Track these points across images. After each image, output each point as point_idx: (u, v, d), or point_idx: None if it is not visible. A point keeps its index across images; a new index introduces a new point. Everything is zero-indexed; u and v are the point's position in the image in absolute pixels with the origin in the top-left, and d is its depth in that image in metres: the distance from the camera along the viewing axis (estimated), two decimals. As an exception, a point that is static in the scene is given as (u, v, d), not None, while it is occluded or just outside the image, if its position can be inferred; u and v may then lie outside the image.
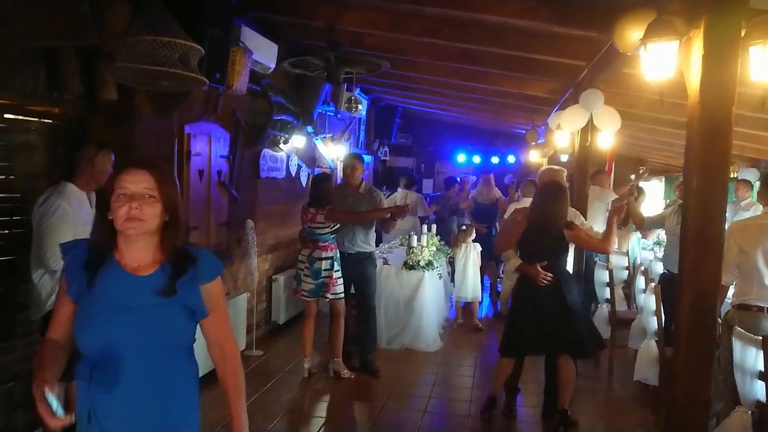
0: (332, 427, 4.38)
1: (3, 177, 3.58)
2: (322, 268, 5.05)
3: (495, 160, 12.84)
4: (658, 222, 5.70)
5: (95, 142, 3.65)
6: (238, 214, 5.68)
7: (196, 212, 4.95)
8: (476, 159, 13.01)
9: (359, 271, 5.33)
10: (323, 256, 5.05)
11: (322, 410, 4.66)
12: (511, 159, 12.65)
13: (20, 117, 3.70)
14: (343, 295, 5.15)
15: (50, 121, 3.91)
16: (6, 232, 3.66)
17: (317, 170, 7.64)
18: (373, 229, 5.48)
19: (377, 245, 6.28)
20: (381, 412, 4.62)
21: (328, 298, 5.09)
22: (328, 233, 5.05)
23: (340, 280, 5.11)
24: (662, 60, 2.97)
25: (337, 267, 5.09)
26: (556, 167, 4.91)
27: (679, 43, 2.92)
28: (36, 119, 3.82)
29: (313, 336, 5.27)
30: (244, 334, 5.68)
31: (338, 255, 5.13)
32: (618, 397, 5.17)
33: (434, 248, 6.85)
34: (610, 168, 8.09)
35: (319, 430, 4.30)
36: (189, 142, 4.77)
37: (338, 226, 5.11)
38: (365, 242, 5.36)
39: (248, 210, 5.97)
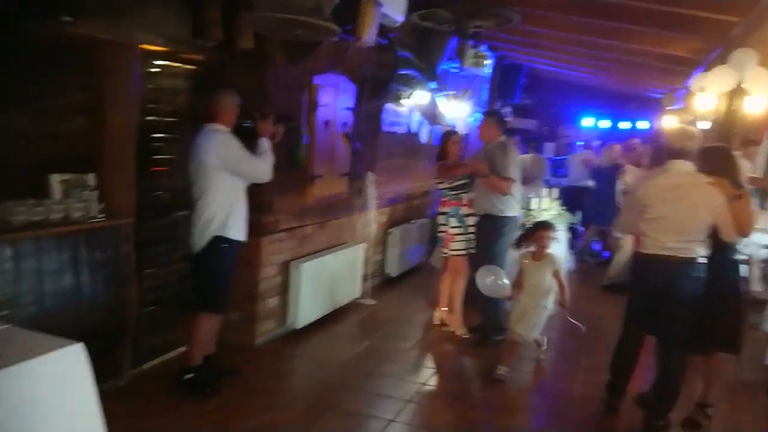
0: (441, 377, 4.47)
1: (153, 118, 3.88)
2: (439, 222, 5.21)
3: (625, 125, 12.13)
4: None
5: (231, 86, 3.86)
6: (359, 166, 5.81)
7: (321, 161, 5.12)
8: (604, 123, 12.37)
9: (478, 234, 5.09)
10: (441, 210, 5.21)
11: (431, 361, 4.75)
12: (642, 125, 11.90)
13: (169, 63, 3.98)
14: (462, 252, 5.12)
15: (193, 67, 4.17)
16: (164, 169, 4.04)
17: (438, 127, 7.60)
18: (504, 195, 4.90)
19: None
20: (493, 370, 4.63)
21: (445, 253, 5.22)
22: (445, 189, 5.15)
23: (461, 237, 5.09)
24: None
25: (456, 223, 5.09)
26: (690, 128, 4.04)
27: None
28: (181, 65, 4.09)
29: (446, 289, 5.33)
30: (360, 283, 5.87)
31: (460, 212, 5.09)
32: (746, 380, 4.84)
33: (555, 212, 6.66)
34: (761, 138, 7.20)
35: (428, 379, 4.40)
36: (317, 92, 4.91)
37: (458, 182, 5.09)
38: (490, 204, 4.93)
39: (369, 162, 6.08)
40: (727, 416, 4.10)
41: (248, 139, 3.73)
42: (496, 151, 4.93)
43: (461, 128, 7.94)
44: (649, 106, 10.77)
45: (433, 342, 5.10)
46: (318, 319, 5.14)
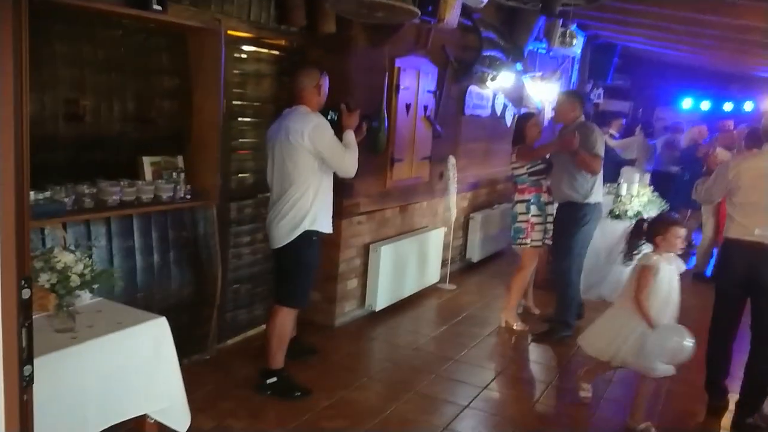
0: (520, 364, 4.40)
1: (238, 102, 4.00)
2: (517, 212, 4.90)
3: (728, 107, 11.34)
4: None
5: (316, 65, 3.71)
6: (440, 149, 5.75)
7: (401, 145, 5.11)
8: (704, 105, 11.62)
9: (558, 224, 4.85)
10: (518, 199, 4.91)
11: (510, 348, 4.67)
12: (748, 106, 11.09)
13: (254, 48, 4.08)
14: (539, 243, 4.88)
15: (277, 52, 4.26)
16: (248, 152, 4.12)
17: (523, 110, 7.40)
18: (594, 175, 4.60)
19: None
20: (573, 359, 4.51)
21: (525, 244, 4.89)
22: (523, 174, 4.86)
23: (540, 227, 4.85)
24: None
25: (537, 212, 4.83)
26: None
27: None
28: (266, 50, 4.19)
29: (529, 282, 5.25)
30: (439, 268, 5.85)
31: (541, 199, 4.83)
32: None
33: (646, 198, 6.35)
34: None
35: (507, 365, 4.33)
36: (398, 75, 4.89)
37: (537, 167, 4.82)
38: (570, 188, 4.65)
39: (451, 146, 6.02)
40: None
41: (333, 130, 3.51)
42: (578, 131, 4.54)
43: (549, 111, 7.70)
44: (756, 86, 10.01)
45: (512, 330, 4.99)
46: (396, 302, 5.17)
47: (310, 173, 3.37)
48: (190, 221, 3.66)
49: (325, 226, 3.54)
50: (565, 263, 4.77)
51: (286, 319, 3.57)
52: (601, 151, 4.58)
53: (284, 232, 3.41)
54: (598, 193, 4.74)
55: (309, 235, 3.43)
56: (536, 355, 4.62)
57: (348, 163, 3.48)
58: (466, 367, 4.24)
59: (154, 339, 2.38)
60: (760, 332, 3.47)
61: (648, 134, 9.04)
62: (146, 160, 3.45)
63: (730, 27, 6.32)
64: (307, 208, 3.38)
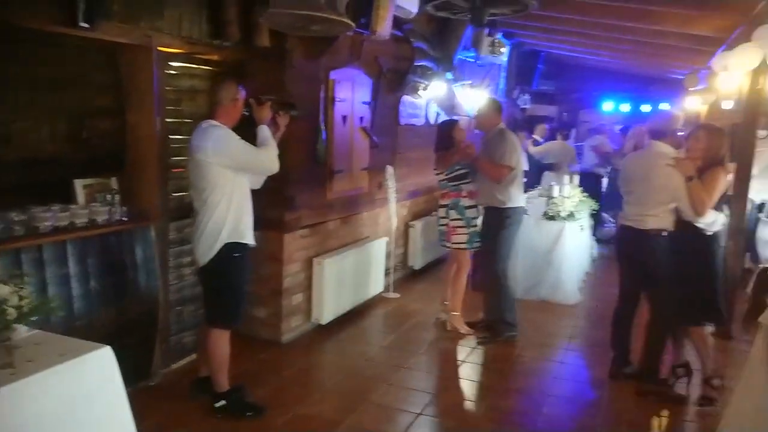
0: (470, 367, 4.45)
1: (175, 120, 3.90)
2: (440, 215, 5.11)
3: (646, 108, 11.92)
4: None
5: (234, 78, 3.52)
6: (378, 160, 5.79)
7: (340, 156, 5.11)
8: (624, 107, 12.18)
9: (484, 227, 4.97)
10: (441, 203, 5.11)
11: (459, 352, 4.73)
12: (664, 107, 11.69)
13: (188, 64, 3.99)
14: (464, 246, 5.00)
15: (211, 67, 4.19)
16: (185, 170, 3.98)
17: (456, 117, 7.54)
18: (498, 183, 4.74)
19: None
20: (517, 359, 4.61)
21: (447, 246, 5.11)
22: (444, 180, 5.03)
23: (464, 230, 4.96)
24: None
25: (456, 216, 4.97)
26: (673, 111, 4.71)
27: None
28: (200, 66, 4.11)
29: (448, 283, 5.28)
30: (383, 277, 5.87)
31: (460, 203, 4.95)
32: None
33: (577, 199, 6.59)
34: None
35: (457, 369, 4.39)
36: (334, 87, 4.90)
37: (456, 172, 4.96)
38: (491, 193, 4.80)
39: (388, 156, 6.07)
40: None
41: (250, 129, 3.41)
42: (493, 139, 4.81)
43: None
44: (672, 88, 10.57)
45: (458, 335, 5.06)
46: (343, 314, 5.15)
47: (222, 186, 3.24)
48: (128, 244, 3.53)
49: (248, 237, 3.40)
50: (497, 265, 4.89)
51: (219, 340, 3.41)
52: (510, 161, 4.70)
53: (205, 247, 3.29)
54: (519, 198, 4.90)
55: (231, 249, 3.31)
56: (483, 357, 4.70)
57: (265, 161, 3.37)
58: (417, 374, 4.27)
59: (99, 370, 2.27)
60: (652, 300, 4.06)
61: (565, 137, 9.37)
62: (79, 183, 3.32)
63: (647, 32, 6.68)
64: (224, 220, 3.26)
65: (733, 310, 5.21)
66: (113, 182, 3.50)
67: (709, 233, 3.75)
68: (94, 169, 3.42)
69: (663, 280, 3.87)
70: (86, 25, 2.93)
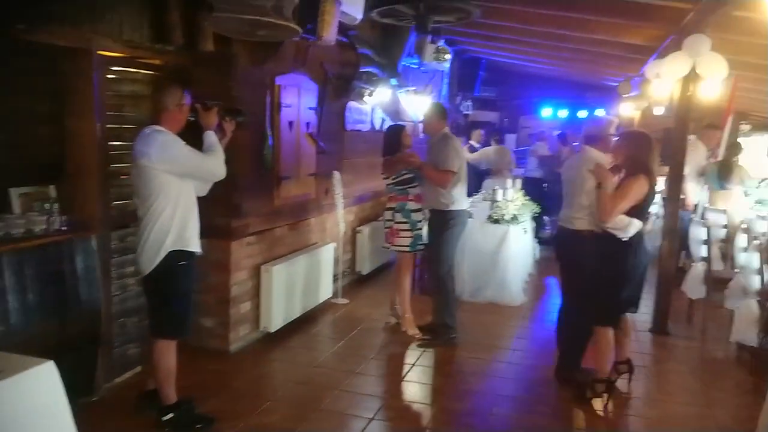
0: (420, 370, 4.48)
1: (115, 126, 3.78)
2: (385, 218, 5.19)
3: (582, 114, 12.34)
4: None
5: (179, 82, 3.41)
6: (325, 166, 5.78)
7: (287, 162, 5.07)
8: (562, 113, 12.57)
9: (429, 230, 5.08)
10: (387, 206, 5.19)
11: (409, 356, 4.75)
12: (600, 113, 12.14)
13: (129, 68, 3.89)
14: (407, 249, 5.07)
15: (154, 72, 4.08)
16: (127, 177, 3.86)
17: (400, 123, 7.61)
18: (443, 188, 4.83)
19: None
20: (466, 361, 4.68)
21: (388, 248, 5.21)
22: (391, 184, 5.11)
23: (407, 233, 5.03)
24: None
25: (401, 219, 5.03)
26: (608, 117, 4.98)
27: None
28: (142, 70, 4.00)
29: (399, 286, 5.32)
30: (331, 283, 5.85)
31: (406, 207, 5.02)
32: (713, 358, 4.99)
33: (519, 203, 6.75)
34: (725, 122, 7.11)
35: (407, 373, 4.41)
36: (280, 93, 4.86)
37: (403, 177, 5.03)
38: (435, 197, 4.90)
39: (335, 162, 6.06)
40: (698, 394, 4.22)
41: (197, 134, 3.34)
42: (438, 143, 4.93)
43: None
44: (607, 95, 10.99)
45: (408, 338, 5.09)
46: (292, 321, 5.10)
47: (167, 192, 3.16)
48: (68, 254, 3.40)
49: (193, 245, 3.31)
50: (440, 267, 4.96)
51: (165, 351, 3.32)
52: (453, 166, 4.80)
53: (149, 256, 3.19)
54: (462, 201, 5.01)
55: (176, 257, 3.22)
56: (433, 360, 4.74)
57: (212, 167, 3.31)
58: (368, 379, 4.27)
59: (42, 386, 2.18)
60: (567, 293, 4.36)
61: (498, 142, 9.58)
62: (14, 192, 3.18)
63: (583, 41, 6.92)
64: (169, 227, 3.18)
65: (669, 307, 5.44)
66: (51, 190, 3.37)
67: (623, 239, 3.75)
68: (31, 177, 3.28)
69: (584, 279, 3.98)
70: (23, 27, 2.82)
